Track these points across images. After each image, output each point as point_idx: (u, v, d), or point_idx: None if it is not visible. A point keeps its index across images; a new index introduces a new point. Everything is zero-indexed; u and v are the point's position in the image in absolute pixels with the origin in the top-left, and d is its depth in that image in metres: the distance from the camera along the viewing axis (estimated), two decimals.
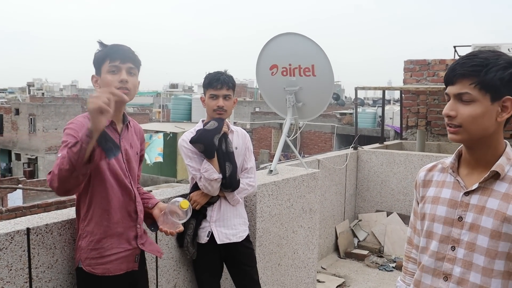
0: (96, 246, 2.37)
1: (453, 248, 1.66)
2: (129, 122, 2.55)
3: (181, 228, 2.51)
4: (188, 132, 3.21)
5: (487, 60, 1.56)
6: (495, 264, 1.58)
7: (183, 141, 3.16)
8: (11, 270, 2.30)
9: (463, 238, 1.63)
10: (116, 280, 2.44)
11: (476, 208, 1.62)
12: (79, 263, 2.39)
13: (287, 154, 20.61)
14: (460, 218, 1.65)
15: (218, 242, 3.16)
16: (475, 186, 1.64)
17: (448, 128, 1.64)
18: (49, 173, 2.14)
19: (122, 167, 2.44)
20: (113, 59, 2.36)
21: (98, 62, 2.41)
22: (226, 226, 3.21)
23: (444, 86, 1.67)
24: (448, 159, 1.79)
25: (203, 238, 3.17)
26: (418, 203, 1.84)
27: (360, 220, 6.80)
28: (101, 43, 2.43)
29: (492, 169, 1.61)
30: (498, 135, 1.63)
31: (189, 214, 2.48)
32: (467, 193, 1.66)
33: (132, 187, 2.48)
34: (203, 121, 3.26)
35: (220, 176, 3.09)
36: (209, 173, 3.06)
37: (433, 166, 1.84)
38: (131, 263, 2.50)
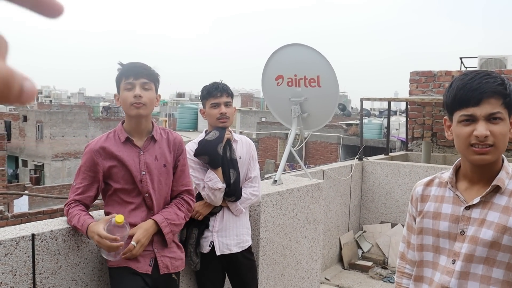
0: None
1: (453, 262, 1.67)
2: (160, 133, 2.70)
3: (122, 243, 2.42)
4: (191, 143, 3.21)
5: (501, 79, 1.60)
6: (493, 272, 1.60)
7: (186, 152, 3.16)
8: (15, 275, 2.33)
9: (462, 251, 1.65)
10: (127, 274, 2.55)
11: (477, 222, 1.64)
12: None
13: (292, 165, 20.61)
14: (462, 232, 1.66)
15: (218, 253, 3.16)
16: (476, 201, 1.65)
17: (478, 149, 1.59)
18: (65, 205, 2.59)
19: (137, 180, 2.58)
20: (127, 76, 2.55)
21: (117, 81, 2.60)
22: (228, 236, 3.20)
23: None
24: (445, 174, 1.80)
25: (205, 248, 3.17)
26: (415, 218, 1.85)
27: (364, 231, 6.79)
28: (120, 64, 2.60)
29: (494, 183, 1.63)
30: None
31: (127, 228, 2.46)
32: (468, 208, 1.67)
33: (151, 199, 2.62)
34: (206, 131, 3.26)
35: (224, 186, 3.09)
36: (213, 182, 3.06)
37: (430, 180, 1.85)
38: (145, 266, 2.58)
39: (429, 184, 1.84)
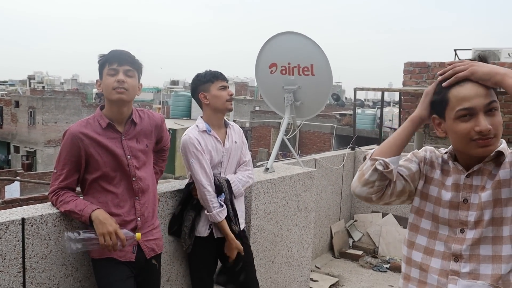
0: None
1: (462, 231, 1.70)
2: (139, 116, 2.71)
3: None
4: (191, 129, 3.19)
5: None
6: (503, 231, 1.64)
7: (190, 139, 3.10)
8: (4, 259, 2.32)
9: (470, 219, 1.68)
10: (111, 265, 2.56)
11: (479, 188, 1.68)
12: None
13: (285, 153, 20.62)
14: (466, 201, 1.69)
15: (216, 236, 3.17)
16: (476, 167, 1.69)
17: (482, 141, 1.59)
18: (49, 194, 2.59)
19: (123, 164, 2.59)
20: (111, 62, 2.55)
21: (100, 67, 2.59)
22: (238, 214, 3.27)
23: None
24: (442, 150, 1.84)
25: (205, 231, 3.18)
26: (416, 169, 1.84)
27: (355, 221, 6.82)
28: (101, 55, 2.62)
29: (498, 149, 1.65)
30: None
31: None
32: (468, 176, 1.70)
33: (139, 182, 2.65)
34: (198, 124, 3.22)
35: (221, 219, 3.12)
36: (218, 212, 3.09)
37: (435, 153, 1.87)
38: (128, 254, 2.58)
39: (435, 154, 1.86)
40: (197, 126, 3.19)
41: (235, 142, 3.29)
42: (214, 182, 3.12)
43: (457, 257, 1.69)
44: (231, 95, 3.23)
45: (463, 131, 1.61)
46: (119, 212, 2.56)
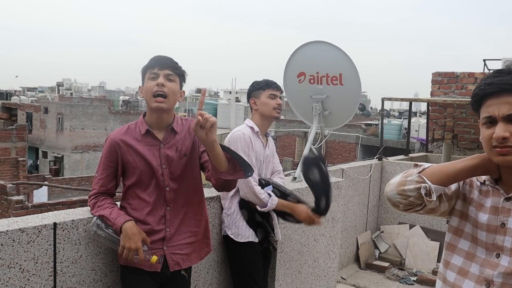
0: None
1: (497, 256, 1.64)
2: (180, 124, 2.66)
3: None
4: (244, 126, 3.29)
5: None
6: None
7: (244, 135, 3.20)
8: (37, 263, 2.35)
9: (506, 245, 1.62)
10: (136, 275, 2.56)
11: None
12: None
13: None
14: (503, 225, 1.64)
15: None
16: None
17: (499, 149, 1.57)
18: (89, 197, 2.63)
19: (157, 173, 2.56)
20: (152, 67, 2.55)
21: (143, 73, 2.60)
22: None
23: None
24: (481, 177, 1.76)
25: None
26: (459, 190, 1.78)
27: (382, 232, 6.75)
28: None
29: None
30: None
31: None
32: (507, 199, 1.65)
33: (172, 193, 2.60)
34: (249, 125, 3.31)
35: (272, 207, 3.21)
36: (272, 200, 3.19)
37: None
38: (155, 263, 2.53)
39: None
40: (251, 127, 3.29)
41: (271, 152, 3.44)
42: (260, 183, 3.22)
43: (489, 283, 1.63)
44: (279, 104, 3.34)
45: (486, 137, 1.60)
46: (149, 220, 2.56)
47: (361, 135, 26.04)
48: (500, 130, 1.55)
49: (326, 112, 4.46)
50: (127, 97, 55.23)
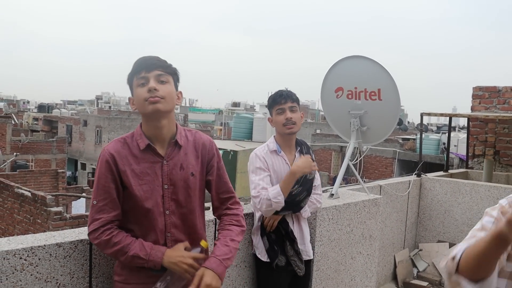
0: None
1: None
2: (185, 136, 2.33)
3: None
4: (261, 147, 3.22)
5: None
6: None
7: (256, 156, 3.15)
8: (73, 277, 2.36)
9: None
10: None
11: None
12: None
13: (346, 178, 20.34)
14: None
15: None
16: None
17: None
18: (92, 232, 2.18)
19: (157, 194, 2.22)
20: (138, 71, 2.18)
21: (129, 82, 2.26)
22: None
23: None
24: None
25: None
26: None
27: (420, 250, 6.58)
28: None
29: None
30: None
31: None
32: None
33: (173, 216, 2.26)
34: (268, 143, 3.25)
35: (282, 203, 3.05)
36: (275, 194, 3.01)
37: None
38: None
39: None
40: (267, 145, 3.22)
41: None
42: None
43: None
44: (288, 118, 3.12)
45: None
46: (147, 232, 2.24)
47: (398, 150, 25.67)
48: None
49: (364, 127, 4.39)
50: None
